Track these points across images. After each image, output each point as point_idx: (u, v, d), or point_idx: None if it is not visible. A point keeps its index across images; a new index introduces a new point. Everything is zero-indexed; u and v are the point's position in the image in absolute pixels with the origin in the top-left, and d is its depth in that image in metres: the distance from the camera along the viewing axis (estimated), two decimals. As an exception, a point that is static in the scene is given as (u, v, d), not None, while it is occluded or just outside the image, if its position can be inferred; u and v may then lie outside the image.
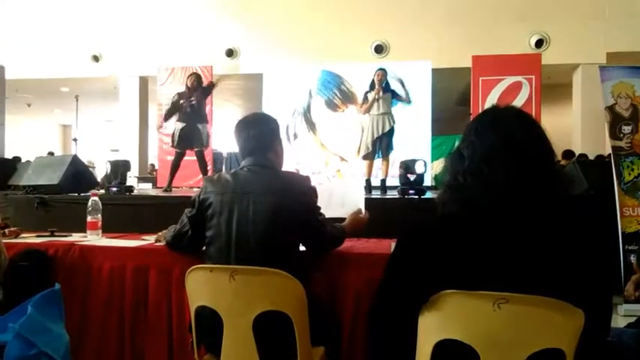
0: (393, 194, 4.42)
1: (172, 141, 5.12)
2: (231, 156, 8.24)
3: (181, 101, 5.00)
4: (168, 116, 5.13)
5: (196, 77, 5.15)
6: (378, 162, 5.13)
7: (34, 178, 4.00)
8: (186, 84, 5.10)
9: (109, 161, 4.22)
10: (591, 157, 6.38)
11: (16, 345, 1.03)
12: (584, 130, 7.48)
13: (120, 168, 4.13)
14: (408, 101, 5.37)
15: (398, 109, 5.20)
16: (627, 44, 7.07)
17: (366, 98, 5.06)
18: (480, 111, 1.26)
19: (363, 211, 2.01)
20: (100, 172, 7.47)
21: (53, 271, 1.96)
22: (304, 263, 1.66)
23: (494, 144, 1.09)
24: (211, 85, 5.30)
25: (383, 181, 5.03)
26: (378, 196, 4.54)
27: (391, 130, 4.98)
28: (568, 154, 6.94)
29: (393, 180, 4.95)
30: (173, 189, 5.22)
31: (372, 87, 5.02)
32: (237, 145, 1.74)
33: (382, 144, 4.96)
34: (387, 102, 4.94)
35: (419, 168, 3.96)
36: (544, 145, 1.12)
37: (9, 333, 1.03)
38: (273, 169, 1.70)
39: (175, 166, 5.09)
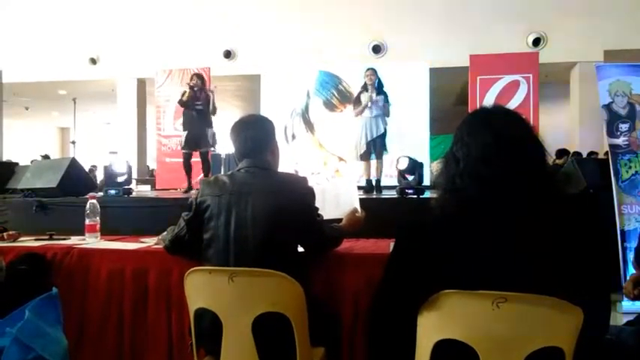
0: (391, 194, 4.42)
1: (182, 143, 5.29)
2: (230, 157, 8.23)
3: (189, 103, 5.06)
4: (183, 104, 5.21)
5: (198, 77, 5.21)
6: (374, 162, 5.14)
7: (32, 181, 3.99)
8: (190, 85, 5.13)
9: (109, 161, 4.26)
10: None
11: (14, 349, 1.02)
12: (582, 129, 7.49)
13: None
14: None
15: (396, 108, 5.17)
16: (624, 42, 7.07)
17: (358, 99, 5.05)
18: (475, 111, 1.26)
19: (359, 210, 2.00)
20: (100, 174, 7.48)
21: (52, 275, 1.95)
22: (303, 264, 1.65)
23: (487, 144, 1.09)
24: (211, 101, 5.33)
25: (378, 181, 5.04)
26: (377, 196, 4.55)
27: (384, 133, 4.97)
28: (562, 152, 6.94)
29: (393, 180, 4.95)
30: (171, 190, 5.24)
31: (365, 88, 5.01)
32: (234, 147, 1.74)
33: (376, 146, 4.96)
34: (379, 104, 4.92)
35: (401, 164, 3.98)
36: (535, 142, 1.12)
37: (7, 337, 1.03)
38: (270, 170, 1.70)
39: (188, 167, 5.23)
